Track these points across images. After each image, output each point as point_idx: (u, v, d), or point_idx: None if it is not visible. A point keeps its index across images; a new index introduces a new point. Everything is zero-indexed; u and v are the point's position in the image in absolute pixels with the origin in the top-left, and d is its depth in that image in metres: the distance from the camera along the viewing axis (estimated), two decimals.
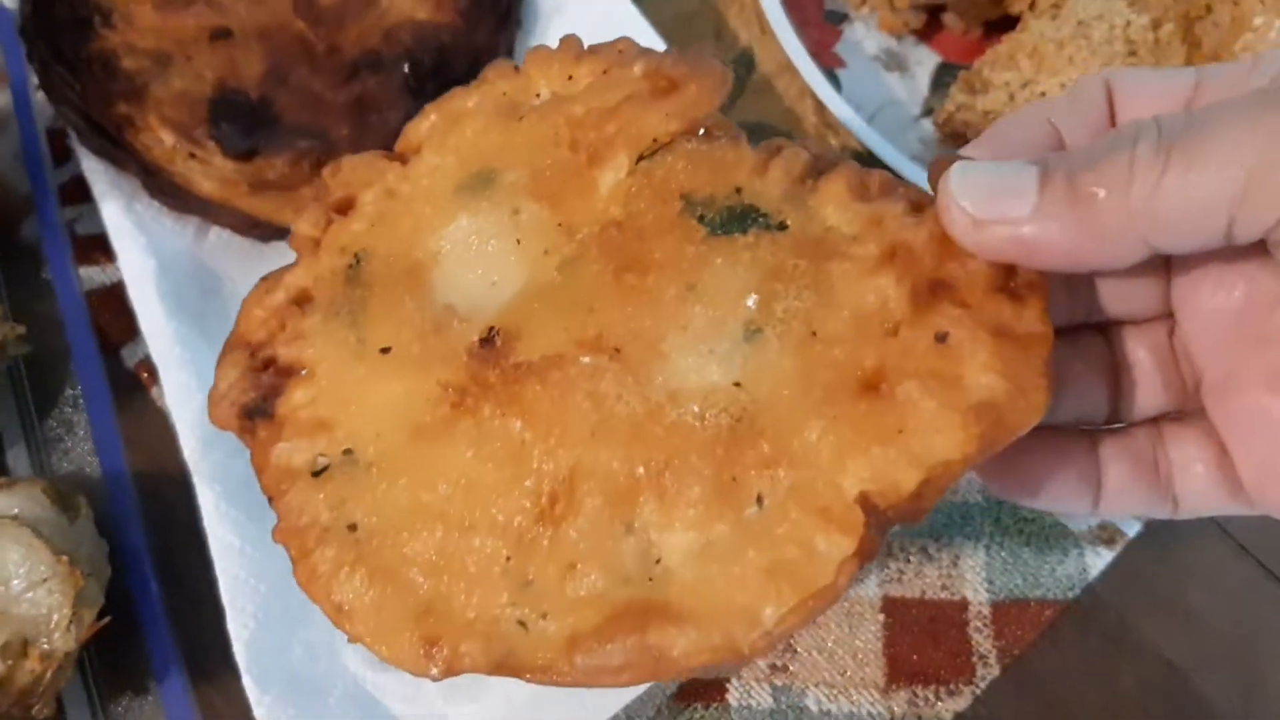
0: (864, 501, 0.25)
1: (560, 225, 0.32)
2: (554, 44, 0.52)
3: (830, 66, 0.55)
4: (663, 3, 0.56)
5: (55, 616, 0.40)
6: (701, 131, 0.32)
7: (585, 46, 0.36)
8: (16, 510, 0.42)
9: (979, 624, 0.44)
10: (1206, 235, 0.23)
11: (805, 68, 0.52)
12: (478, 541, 0.28)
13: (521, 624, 0.27)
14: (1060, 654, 0.44)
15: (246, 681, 0.39)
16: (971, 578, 0.45)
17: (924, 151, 0.54)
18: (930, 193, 0.28)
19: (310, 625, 0.42)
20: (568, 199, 0.32)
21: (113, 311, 0.50)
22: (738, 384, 0.28)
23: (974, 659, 0.43)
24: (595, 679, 0.26)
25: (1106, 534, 0.46)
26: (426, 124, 0.36)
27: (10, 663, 0.40)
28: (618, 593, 0.27)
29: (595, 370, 0.29)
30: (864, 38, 0.59)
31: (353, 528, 0.29)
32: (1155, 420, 0.29)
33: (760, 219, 0.30)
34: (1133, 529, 0.46)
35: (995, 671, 0.43)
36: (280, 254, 0.50)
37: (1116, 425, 0.29)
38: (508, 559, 0.28)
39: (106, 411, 0.47)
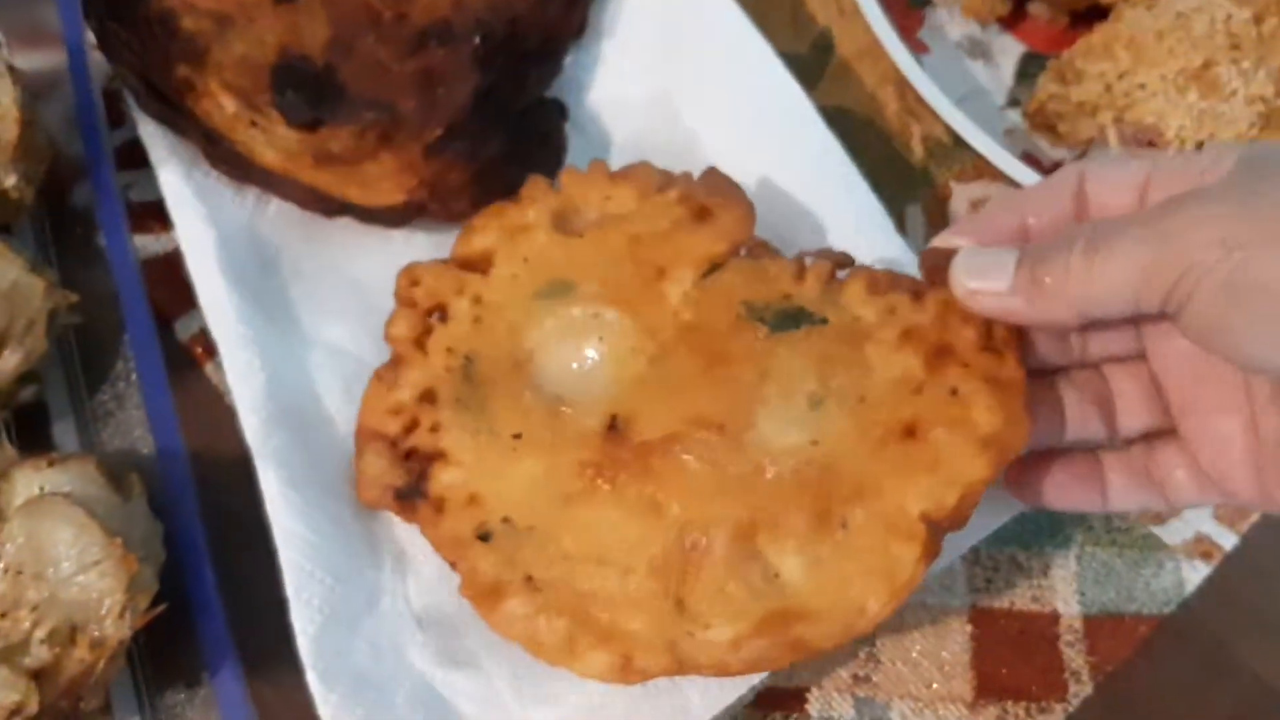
0: (925, 517, 0.34)
1: (640, 328, 0.40)
2: (630, 24, 0.51)
3: (913, 52, 0.52)
4: None
5: (107, 602, 0.38)
6: (744, 251, 0.41)
7: (610, 170, 0.44)
8: (68, 488, 0.40)
9: (1070, 638, 0.42)
10: (1121, 308, 0.32)
11: (896, 51, 0.50)
12: (636, 581, 0.36)
13: (690, 635, 0.35)
14: (1155, 673, 0.42)
15: (311, 678, 0.37)
16: (1062, 589, 0.43)
17: (1009, 142, 0.52)
18: (924, 281, 0.38)
19: (376, 621, 0.40)
20: (642, 307, 0.40)
21: (166, 283, 0.48)
22: (815, 442, 0.36)
23: (1066, 675, 0.42)
24: (755, 667, 0.35)
25: (1202, 547, 0.44)
26: (488, 237, 0.43)
27: (58, 650, 0.38)
28: (756, 604, 0.35)
29: (707, 442, 0.37)
30: (947, 23, 0.56)
31: (529, 579, 0.36)
32: (1146, 437, 0.37)
33: (807, 317, 0.39)
34: (1229, 542, 0.44)
35: (1088, 689, 0.41)
36: (342, 230, 0.48)
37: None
38: (665, 591, 0.36)
39: (161, 387, 0.44)
